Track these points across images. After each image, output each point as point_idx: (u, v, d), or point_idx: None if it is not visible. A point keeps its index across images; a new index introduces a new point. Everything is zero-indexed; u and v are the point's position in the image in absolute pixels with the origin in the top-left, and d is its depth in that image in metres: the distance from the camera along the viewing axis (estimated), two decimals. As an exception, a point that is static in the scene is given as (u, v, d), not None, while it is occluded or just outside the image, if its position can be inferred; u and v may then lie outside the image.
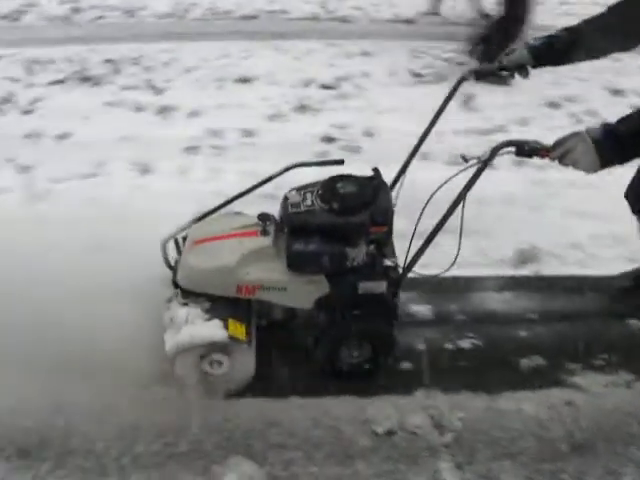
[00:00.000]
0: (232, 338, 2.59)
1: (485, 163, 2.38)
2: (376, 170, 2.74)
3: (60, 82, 5.62)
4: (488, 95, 5.26)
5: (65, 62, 6.04)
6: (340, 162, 2.71)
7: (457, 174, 2.47)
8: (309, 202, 2.59)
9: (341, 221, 2.54)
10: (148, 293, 2.77)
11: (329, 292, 2.66)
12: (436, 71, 5.86)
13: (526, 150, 2.27)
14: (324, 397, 2.79)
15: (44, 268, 2.79)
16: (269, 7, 7.62)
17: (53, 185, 4.05)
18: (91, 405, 2.69)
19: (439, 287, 3.42)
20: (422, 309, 3.31)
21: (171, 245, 2.76)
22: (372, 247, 2.61)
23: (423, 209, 2.64)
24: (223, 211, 2.82)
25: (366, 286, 2.66)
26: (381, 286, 2.67)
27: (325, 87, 5.55)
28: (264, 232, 2.66)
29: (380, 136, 4.76)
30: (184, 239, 2.80)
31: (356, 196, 2.57)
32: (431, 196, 2.58)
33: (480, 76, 2.80)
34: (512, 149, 2.30)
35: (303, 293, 2.67)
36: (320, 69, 5.91)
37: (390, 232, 2.64)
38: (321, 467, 2.52)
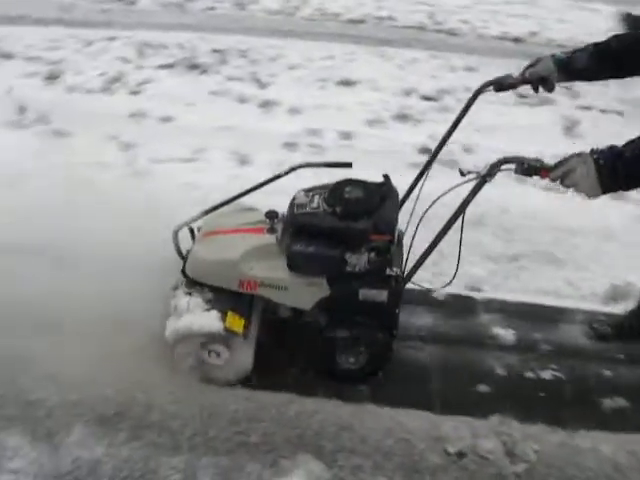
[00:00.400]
0: (228, 330, 2.63)
1: (484, 178, 2.31)
2: (386, 177, 2.71)
3: (169, 67, 5.79)
4: (596, 122, 5.11)
5: (175, 48, 6.20)
6: (348, 165, 2.67)
7: (454, 187, 2.40)
8: (315, 204, 2.59)
9: (342, 226, 2.53)
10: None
11: (329, 295, 2.66)
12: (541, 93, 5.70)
13: (525, 168, 2.19)
14: (399, 408, 2.77)
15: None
16: (377, 13, 7.62)
17: (153, 165, 4.17)
18: (170, 384, 2.78)
19: (526, 314, 3.37)
20: (505, 333, 3.25)
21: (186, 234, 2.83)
22: (373, 255, 2.57)
23: (420, 220, 2.61)
24: (238, 206, 2.87)
25: (367, 293, 2.64)
26: (382, 295, 2.64)
27: (426, 98, 5.51)
28: (271, 230, 2.68)
29: (478, 154, 4.68)
30: (199, 230, 2.86)
31: (360, 202, 2.56)
32: (428, 208, 2.57)
33: (500, 88, 2.64)
34: (512, 166, 2.23)
35: (304, 294, 2.67)
36: (423, 80, 5.87)
37: (393, 241, 2.58)
38: (389, 478, 2.50)
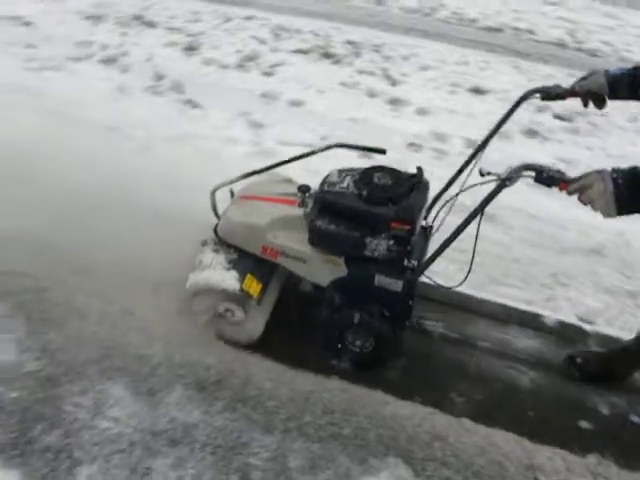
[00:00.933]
0: (243, 291, 2.73)
1: (504, 181, 2.27)
2: (419, 169, 2.71)
3: (303, 52, 5.85)
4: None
5: (310, 34, 6.27)
6: (382, 151, 2.76)
7: (473, 186, 2.50)
8: (344, 185, 2.64)
9: (365, 208, 2.55)
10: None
11: (346, 276, 2.69)
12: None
13: (544, 178, 2.15)
14: (495, 428, 2.70)
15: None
16: (515, 23, 7.44)
17: (279, 147, 4.23)
18: (272, 366, 2.84)
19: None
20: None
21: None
22: (392, 242, 2.56)
23: (435, 217, 2.74)
24: (279, 176, 2.98)
25: (382, 280, 2.65)
26: (397, 284, 2.64)
27: (558, 117, 5.33)
28: (302, 203, 2.72)
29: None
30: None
31: (386, 189, 2.58)
32: (443, 205, 2.69)
33: (546, 98, 2.57)
34: (532, 174, 2.18)
35: (321, 270, 2.73)
36: (557, 98, 5.68)
37: (413, 232, 2.55)
38: (476, 498, 2.45)
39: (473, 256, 2.65)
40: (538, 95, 2.56)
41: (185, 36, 6.09)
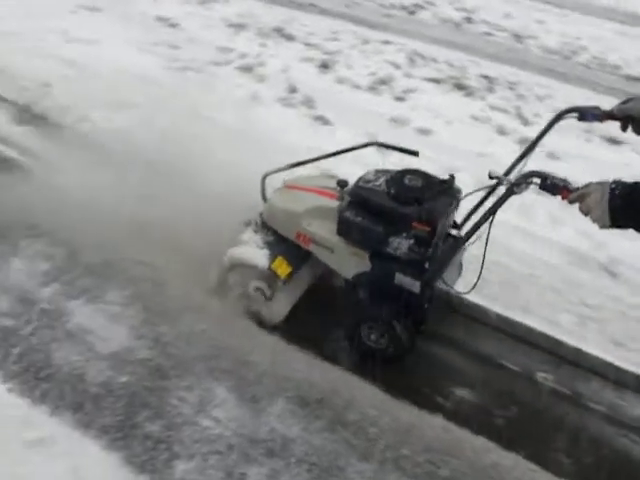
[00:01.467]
0: (271, 270, 2.93)
1: (512, 188, 2.36)
2: (451, 176, 2.84)
3: (436, 81, 5.82)
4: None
5: (445, 64, 6.23)
6: (415, 153, 2.86)
7: (481, 189, 2.72)
8: (378, 183, 2.79)
9: (390, 206, 2.69)
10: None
11: (369, 271, 2.82)
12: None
13: (548, 185, 2.20)
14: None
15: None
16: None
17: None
18: (376, 393, 2.81)
19: None
20: None
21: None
22: (414, 243, 2.66)
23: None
24: (326, 172, 3.26)
25: (402, 279, 2.74)
26: (415, 285, 2.72)
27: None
28: (340, 197, 2.88)
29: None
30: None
31: (414, 190, 2.70)
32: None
33: (583, 118, 2.53)
34: (538, 181, 2.25)
35: (346, 262, 2.88)
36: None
37: (434, 234, 2.64)
38: None
39: (483, 262, 2.71)
40: (575, 115, 2.55)
41: (321, 53, 6.19)
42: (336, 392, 2.78)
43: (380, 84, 5.65)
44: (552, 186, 2.19)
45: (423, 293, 2.73)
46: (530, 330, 3.24)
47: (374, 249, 2.77)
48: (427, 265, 2.70)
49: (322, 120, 4.91)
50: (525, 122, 5.27)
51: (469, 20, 7.70)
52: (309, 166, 3.15)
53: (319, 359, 2.95)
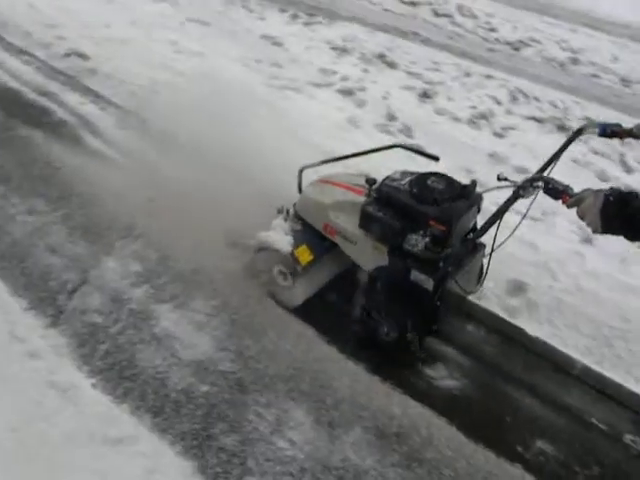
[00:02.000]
0: (292, 256, 3.09)
1: (518, 191, 2.49)
2: (473, 181, 2.89)
3: (537, 121, 5.69)
4: None
5: (548, 104, 6.08)
6: (436, 158, 3.03)
7: (490, 190, 2.71)
8: (402, 182, 2.90)
9: (409, 203, 2.80)
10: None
11: (387, 265, 2.91)
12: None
13: (551, 189, 2.33)
14: None
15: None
16: None
17: (492, 207, 4.11)
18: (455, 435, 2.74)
19: None
20: None
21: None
22: (429, 241, 2.74)
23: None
24: (359, 171, 3.34)
25: (417, 276, 2.83)
26: (429, 282, 2.79)
27: None
28: (367, 194, 2.98)
29: None
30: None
31: (434, 191, 2.79)
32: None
33: (603, 134, 2.59)
34: (542, 185, 2.38)
35: (368, 255, 2.99)
36: None
37: (449, 234, 2.70)
38: None
39: (489, 263, 2.90)
40: (596, 130, 2.60)
41: (422, 82, 6.15)
42: (415, 428, 2.73)
43: (480, 118, 5.56)
44: (554, 190, 2.32)
45: (436, 291, 2.80)
46: (620, 388, 3.10)
47: (392, 244, 2.87)
48: (441, 264, 2.77)
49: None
50: (628, 170, 5.07)
51: (575, 61, 7.49)
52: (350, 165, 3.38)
53: (399, 391, 2.89)
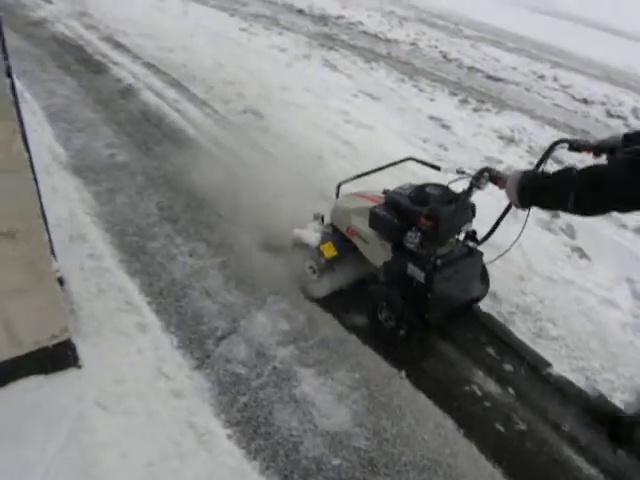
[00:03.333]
0: (318, 249, 3.62)
1: (471, 182, 2.94)
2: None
3: None
4: None
5: None
6: (437, 168, 3.44)
7: (451, 182, 3.15)
8: (406, 190, 3.39)
9: (406, 204, 3.27)
10: None
11: (391, 260, 3.38)
12: None
13: (492, 177, 2.82)
14: None
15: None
16: None
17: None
18: None
19: None
20: None
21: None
22: (422, 237, 3.14)
23: None
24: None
25: (413, 269, 3.23)
26: (421, 275, 3.18)
27: None
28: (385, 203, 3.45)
29: None
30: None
31: (428, 196, 3.21)
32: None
33: (573, 148, 2.97)
34: (487, 174, 2.85)
35: (377, 252, 3.50)
36: None
37: (437, 230, 3.08)
38: None
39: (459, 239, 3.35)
40: (566, 145, 2.98)
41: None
42: None
43: (649, 228, 5.28)
44: (494, 178, 2.81)
45: (427, 283, 3.15)
46: None
47: (394, 241, 3.34)
48: (432, 259, 3.15)
49: (580, 252, 4.67)
50: None
51: None
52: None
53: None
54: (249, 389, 3.08)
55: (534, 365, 3.43)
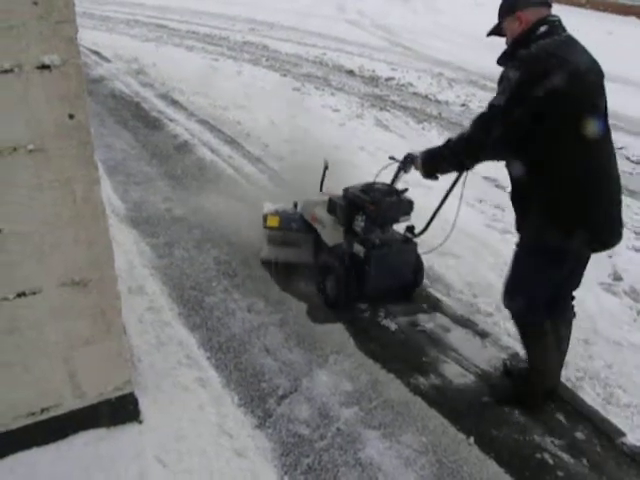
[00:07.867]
0: (264, 216, 4.53)
1: (400, 163, 3.83)
2: (405, 189, 4.04)
3: None
4: None
5: None
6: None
7: (385, 167, 4.04)
8: (361, 186, 4.05)
9: (357, 194, 3.97)
10: None
11: (343, 242, 4.10)
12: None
13: (409, 161, 3.69)
14: None
15: None
16: None
17: None
18: None
19: None
20: None
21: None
22: (366, 219, 3.92)
23: None
24: None
25: (357, 248, 3.98)
26: (362, 252, 3.93)
27: None
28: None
29: None
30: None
31: (373, 189, 3.96)
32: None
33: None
34: (410, 159, 3.68)
35: (332, 234, 4.21)
36: None
37: (377, 213, 3.86)
38: None
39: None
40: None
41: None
42: None
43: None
44: (412, 161, 3.59)
45: (366, 258, 3.89)
46: None
47: (346, 225, 4.07)
48: (373, 238, 3.92)
49: (642, 315, 4.52)
50: None
51: None
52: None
53: None
54: (313, 450, 2.98)
55: (607, 434, 3.27)
